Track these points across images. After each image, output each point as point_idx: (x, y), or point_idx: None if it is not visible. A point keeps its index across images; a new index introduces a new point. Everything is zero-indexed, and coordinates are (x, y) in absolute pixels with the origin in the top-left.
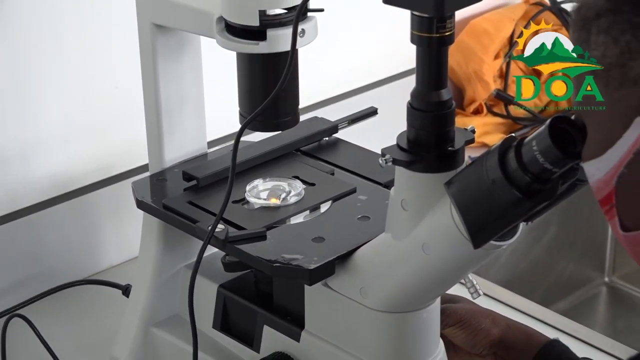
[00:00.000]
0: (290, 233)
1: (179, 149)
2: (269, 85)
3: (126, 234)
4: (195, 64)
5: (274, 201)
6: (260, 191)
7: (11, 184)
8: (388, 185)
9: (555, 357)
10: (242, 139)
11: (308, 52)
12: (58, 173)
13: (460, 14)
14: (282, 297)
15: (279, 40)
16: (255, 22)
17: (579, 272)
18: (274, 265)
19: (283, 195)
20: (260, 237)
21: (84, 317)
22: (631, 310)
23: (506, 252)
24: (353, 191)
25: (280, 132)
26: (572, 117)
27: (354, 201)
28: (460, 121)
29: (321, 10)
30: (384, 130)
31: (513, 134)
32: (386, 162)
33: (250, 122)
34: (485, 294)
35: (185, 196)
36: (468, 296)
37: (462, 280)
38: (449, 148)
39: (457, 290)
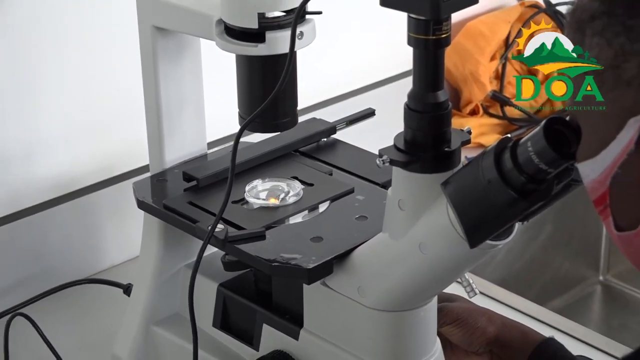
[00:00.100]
0: (289, 233)
1: (179, 149)
2: (267, 87)
3: (127, 234)
4: (195, 66)
5: (273, 201)
6: (260, 191)
7: (13, 184)
8: (385, 185)
9: (550, 355)
10: (242, 139)
11: (306, 54)
12: (60, 174)
13: (456, 16)
14: (281, 296)
15: (277, 42)
16: (254, 24)
17: (574, 271)
18: (273, 264)
19: (282, 196)
20: (260, 236)
21: (85, 316)
22: (625, 308)
23: (502, 251)
24: (351, 191)
25: (279, 133)
26: (567, 118)
27: (351, 201)
28: (457, 122)
29: (319, 12)
30: (382, 131)
31: (509, 135)
32: (383, 163)
33: (249, 123)
34: (481, 293)
35: (185, 196)
36: (464, 295)
37: (459, 279)
38: (446, 149)
39: (453, 289)
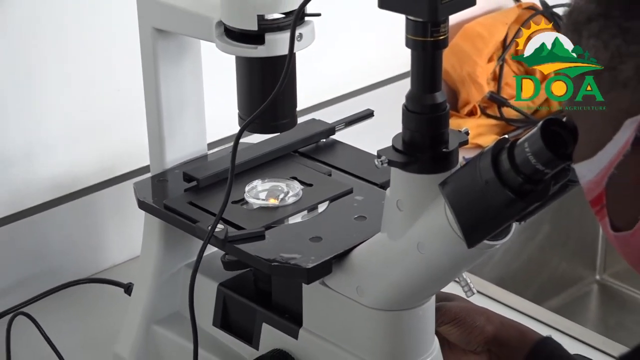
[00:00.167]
0: (289, 233)
1: (180, 150)
2: (267, 88)
3: (128, 234)
4: (196, 68)
5: (272, 201)
6: (259, 192)
7: (15, 184)
8: (384, 185)
9: (547, 354)
10: (241, 140)
11: (306, 55)
12: (61, 174)
13: (454, 18)
14: (281, 295)
15: (277, 44)
16: (253, 26)
17: (571, 271)
18: (273, 264)
19: (281, 196)
20: (259, 236)
21: (87, 315)
22: (622, 307)
23: (500, 250)
24: (350, 192)
25: (278, 134)
26: (564, 120)
27: (350, 201)
28: (455, 123)
29: (318, 14)
30: (380, 132)
31: (506, 136)
32: (382, 163)
33: (249, 124)
34: (479, 292)
35: (185, 197)
36: (462, 294)
37: (457, 279)
38: (444, 149)
39: (451, 288)
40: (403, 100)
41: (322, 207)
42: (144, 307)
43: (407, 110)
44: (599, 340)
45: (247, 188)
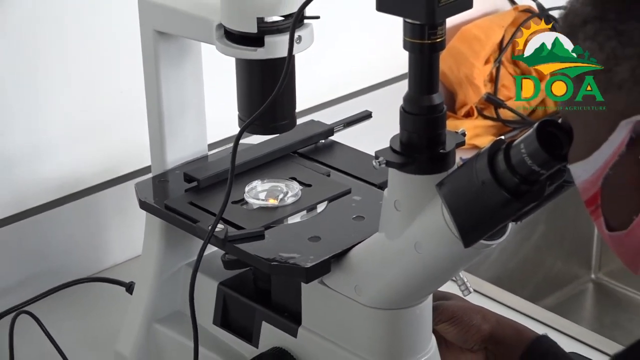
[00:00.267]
0: (288, 232)
1: (181, 151)
2: (266, 90)
3: (130, 234)
4: (196, 70)
5: (272, 202)
6: (259, 192)
7: (19, 185)
8: (382, 186)
9: (543, 352)
10: (241, 141)
11: (304, 57)
12: (64, 175)
13: (451, 21)
14: (280, 294)
15: (276, 46)
16: (253, 29)
17: (567, 270)
18: (272, 263)
19: (281, 196)
20: (259, 236)
21: (89, 314)
22: (617, 306)
23: (496, 250)
24: (348, 192)
25: (277, 135)
26: (559, 121)
27: (349, 201)
28: (452, 124)
29: (317, 17)
30: (378, 133)
31: (502, 137)
32: (380, 164)
33: (248, 125)
34: (475, 291)
35: (186, 197)
36: (459, 293)
37: (454, 278)
38: (441, 150)
39: (448, 287)
40: (400, 102)
41: (320, 207)
42: (145, 305)
43: (404, 112)
44: (594, 338)
45: (246, 188)
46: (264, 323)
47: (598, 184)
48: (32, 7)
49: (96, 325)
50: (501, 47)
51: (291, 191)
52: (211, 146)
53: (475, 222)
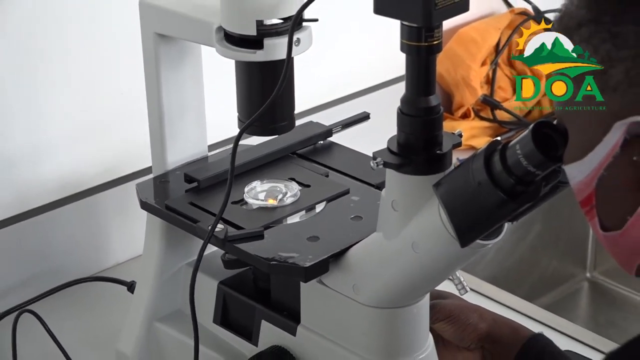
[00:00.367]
0: (287, 232)
1: (181, 152)
2: (266, 92)
3: (131, 233)
4: (196, 72)
5: (271, 202)
6: (258, 192)
7: (21, 185)
8: (379, 186)
9: (539, 350)
10: (241, 142)
11: (303, 59)
12: (66, 175)
13: (448, 23)
14: (279, 293)
15: (275, 48)
16: (252, 31)
17: (562, 269)
18: (271, 263)
19: (280, 196)
20: (258, 236)
21: (90, 313)
22: (612, 304)
23: (492, 249)
24: (346, 192)
25: (277, 136)
26: (554, 122)
27: (347, 202)
28: (449, 125)
29: (315, 20)
30: (376, 135)
31: (498, 138)
32: (377, 165)
33: (248, 126)
34: (472, 290)
35: (186, 197)
36: (456, 292)
37: (450, 277)
38: (437, 151)
39: (445, 286)
40: (398, 104)
41: (319, 208)
42: (146, 304)
43: (401, 113)
44: (589, 336)
45: (246, 189)
46: (263, 322)
47: (592, 185)
48: (33, 8)
49: (98, 324)
50: (497, 50)
51: (290, 191)
52: (211, 147)
53: (471, 222)
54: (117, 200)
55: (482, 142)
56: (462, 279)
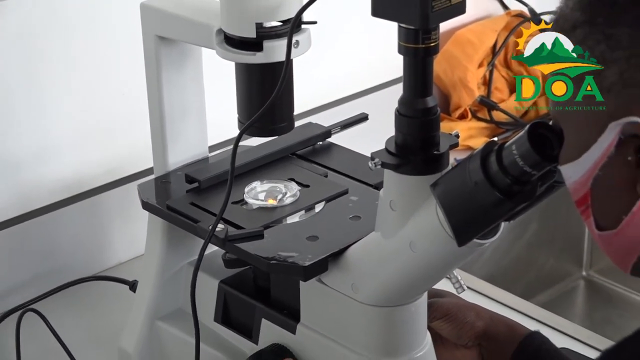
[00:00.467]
0: (286, 232)
1: (182, 153)
2: (265, 93)
3: (133, 233)
4: (197, 74)
5: (271, 202)
6: (258, 192)
7: (25, 186)
8: (378, 186)
9: (535, 348)
10: (241, 143)
11: (302, 61)
12: (69, 176)
13: (445, 25)
14: (279, 292)
15: (274, 50)
16: (252, 34)
17: (558, 267)
18: (271, 262)
19: (279, 197)
20: (258, 236)
21: (93, 311)
22: (607, 302)
23: (489, 248)
24: (345, 192)
25: (276, 137)
26: (550, 123)
27: (346, 202)
28: (447, 126)
29: (314, 22)
30: (374, 135)
31: (495, 139)
32: (375, 165)
33: (248, 127)
34: (469, 288)
35: (187, 197)
36: (453, 291)
37: (448, 276)
38: (435, 152)
39: (443, 285)
40: (396, 105)
41: (318, 207)
42: (148, 303)
43: (399, 114)
44: (585, 334)
45: (246, 189)
46: (263, 320)
47: (588, 185)
48: (37, 12)
49: (100, 323)
50: (494, 51)
51: (290, 192)
52: (212, 148)
53: (468, 221)
54: (119, 201)
55: (479, 143)
56: (459, 278)
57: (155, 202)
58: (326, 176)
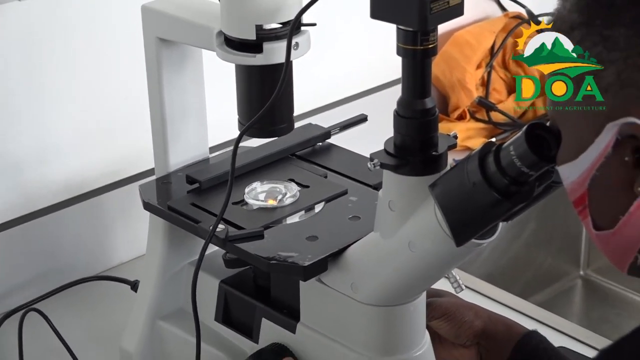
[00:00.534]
0: (286, 232)
1: (183, 154)
2: (265, 95)
3: (134, 234)
4: (197, 75)
5: (271, 202)
6: (258, 193)
7: (28, 187)
8: (377, 187)
9: (533, 347)
10: (241, 144)
11: (302, 63)
12: (71, 177)
13: (444, 27)
14: (279, 291)
15: (274, 52)
16: (252, 36)
17: (556, 266)
18: (271, 262)
19: (279, 197)
20: (258, 236)
21: (95, 311)
22: (604, 301)
23: (488, 248)
24: (344, 193)
25: (276, 138)
26: (548, 124)
27: (345, 202)
28: (445, 126)
29: (314, 24)
30: (373, 136)
31: (493, 140)
32: (374, 166)
33: (248, 129)
34: (468, 288)
35: (188, 198)
36: (452, 290)
37: (446, 276)
38: (433, 153)
39: (441, 284)
40: (394, 106)
41: (318, 208)
42: (149, 303)
43: (398, 116)
44: (583, 333)
45: (246, 190)
46: (263, 319)
47: (585, 185)
48: (39, 14)
49: (102, 322)
50: (492, 52)
51: (289, 192)
52: (212, 149)
53: (466, 221)
54: (120, 201)
55: (477, 143)
56: (457, 277)
57: (157, 203)
58: (326, 177)
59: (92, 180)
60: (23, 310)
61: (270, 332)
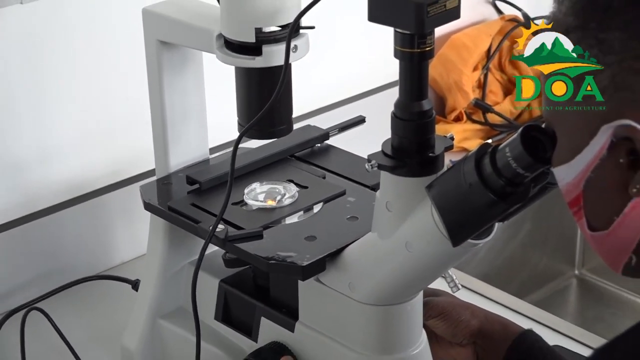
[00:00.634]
0: (285, 232)
1: (183, 155)
2: (264, 97)
3: (135, 234)
4: (198, 77)
5: (270, 203)
6: (258, 194)
7: (30, 187)
8: (375, 188)
9: (529, 345)
10: (241, 145)
11: (301, 65)
12: (73, 177)
13: (441, 30)
14: (278, 291)
15: (273, 55)
16: (251, 38)
17: (551, 266)
18: (270, 262)
19: (278, 198)
20: (258, 236)
21: (96, 310)
22: (599, 300)
23: (484, 248)
24: (343, 193)
25: (275, 139)
26: (543, 125)
27: (343, 203)
28: (442, 128)
29: (312, 27)
30: (371, 138)
31: (489, 141)
32: (372, 167)
33: (248, 130)
34: (464, 287)
35: (188, 198)
36: (448, 290)
37: (443, 275)
38: (430, 154)
39: (438, 284)
40: (392, 108)
41: (316, 208)
42: (150, 302)
43: (395, 117)
44: (578, 332)
45: (246, 190)
46: (262, 318)
47: (580, 187)
48: (40, 15)
49: (103, 321)
50: (489, 55)
51: (288, 193)
52: (212, 150)
53: (463, 222)
54: (121, 202)
55: (474, 144)
56: (454, 277)
57: (157, 203)
58: (324, 177)
59: (93, 181)
60: (25, 309)
61: (269, 331)
